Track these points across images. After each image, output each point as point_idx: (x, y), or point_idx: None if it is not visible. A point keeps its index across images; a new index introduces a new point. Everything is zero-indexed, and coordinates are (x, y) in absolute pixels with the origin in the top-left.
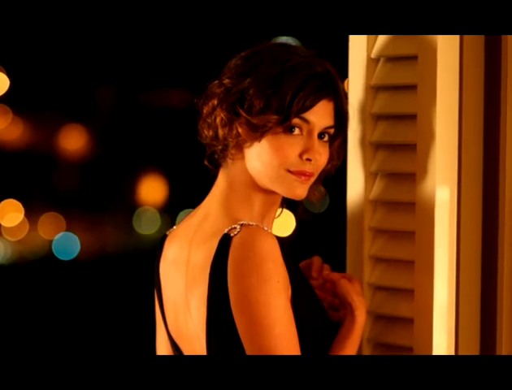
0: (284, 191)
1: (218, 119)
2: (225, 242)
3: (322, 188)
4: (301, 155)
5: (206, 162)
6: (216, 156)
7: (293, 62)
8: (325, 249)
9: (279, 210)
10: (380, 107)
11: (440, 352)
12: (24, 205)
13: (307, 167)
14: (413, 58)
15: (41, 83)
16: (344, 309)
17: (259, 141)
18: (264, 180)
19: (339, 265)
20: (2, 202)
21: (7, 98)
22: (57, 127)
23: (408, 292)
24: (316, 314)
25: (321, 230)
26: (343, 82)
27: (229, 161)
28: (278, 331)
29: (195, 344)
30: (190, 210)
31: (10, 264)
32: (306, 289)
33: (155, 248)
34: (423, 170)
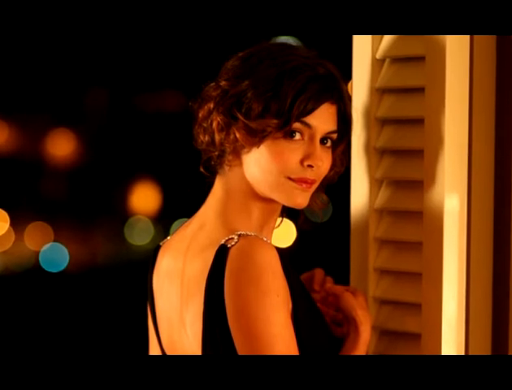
0: (284, 199)
1: (214, 124)
2: (222, 253)
3: (324, 197)
4: (302, 161)
5: (201, 169)
6: (212, 162)
7: (294, 64)
8: (328, 260)
9: (279, 219)
10: (386, 111)
11: None
12: (10, 215)
13: (309, 174)
14: (420, 59)
15: (28, 84)
16: (347, 324)
17: (258, 147)
18: (263, 188)
19: (342, 277)
20: None
21: None
22: (45, 131)
23: (415, 307)
24: (318, 329)
25: (323, 240)
26: (346, 84)
27: (226, 168)
28: (278, 348)
29: None
30: (185, 219)
31: None
32: (308, 303)
33: (148, 259)
34: (431, 177)
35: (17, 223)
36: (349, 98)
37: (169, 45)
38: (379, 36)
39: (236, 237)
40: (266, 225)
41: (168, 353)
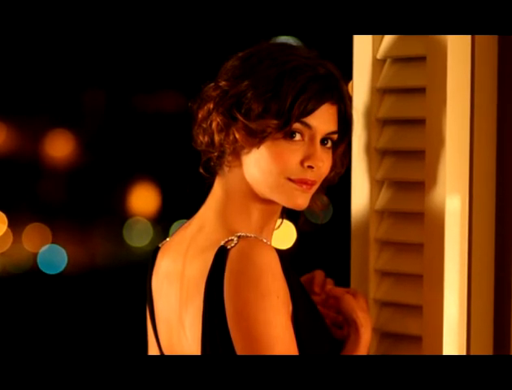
0: (284, 200)
1: (214, 124)
2: (221, 255)
3: (324, 198)
4: (302, 162)
5: (201, 170)
6: (212, 163)
7: (294, 64)
8: (328, 262)
9: (279, 220)
10: (387, 111)
11: None
12: (8, 216)
13: (309, 175)
14: (421, 59)
15: (26, 85)
16: (348, 326)
17: (258, 148)
18: (263, 189)
19: (343, 279)
20: None
21: None
22: (43, 132)
23: (416, 309)
24: (318, 331)
25: (324, 242)
26: (347, 84)
27: (226, 168)
28: (278, 350)
29: None
30: (184, 220)
31: None
32: (308, 305)
33: (147, 261)
34: (433, 178)
35: (15, 225)
36: (350, 99)
37: (168, 45)
38: (380, 36)
39: (235, 239)
40: (266, 226)
41: (167, 354)
